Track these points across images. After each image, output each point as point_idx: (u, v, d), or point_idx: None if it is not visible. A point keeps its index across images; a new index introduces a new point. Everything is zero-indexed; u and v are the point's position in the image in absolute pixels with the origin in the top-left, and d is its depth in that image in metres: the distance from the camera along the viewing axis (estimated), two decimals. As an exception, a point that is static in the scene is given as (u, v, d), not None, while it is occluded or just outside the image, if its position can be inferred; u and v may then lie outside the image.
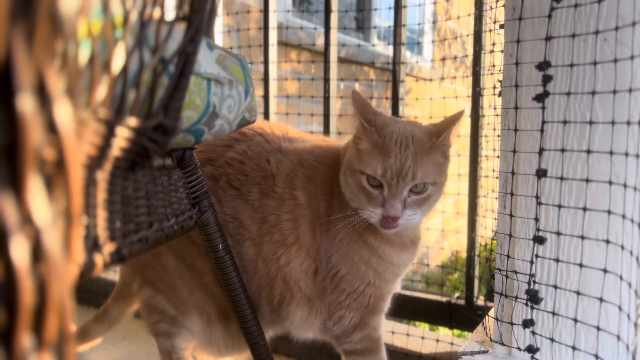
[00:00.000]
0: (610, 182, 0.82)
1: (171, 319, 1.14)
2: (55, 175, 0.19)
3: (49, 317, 0.19)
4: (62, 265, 0.20)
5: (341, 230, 0.99)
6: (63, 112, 0.19)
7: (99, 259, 0.56)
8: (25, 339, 0.19)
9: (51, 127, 0.18)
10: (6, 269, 0.18)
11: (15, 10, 0.17)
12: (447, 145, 0.97)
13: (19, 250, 0.18)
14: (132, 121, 0.56)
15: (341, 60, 2.54)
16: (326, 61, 1.58)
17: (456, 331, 1.79)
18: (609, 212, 0.81)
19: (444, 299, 1.53)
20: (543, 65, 0.86)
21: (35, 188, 0.19)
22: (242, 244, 1.06)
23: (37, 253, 0.19)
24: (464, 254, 1.59)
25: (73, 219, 0.21)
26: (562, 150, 0.86)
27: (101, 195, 0.56)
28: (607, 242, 0.82)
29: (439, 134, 0.93)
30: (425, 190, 0.93)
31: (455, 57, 2.78)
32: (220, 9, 1.89)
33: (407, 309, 1.57)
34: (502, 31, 0.99)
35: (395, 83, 1.49)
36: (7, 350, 0.19)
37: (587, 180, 0.84)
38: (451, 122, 0.95)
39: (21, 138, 0.17)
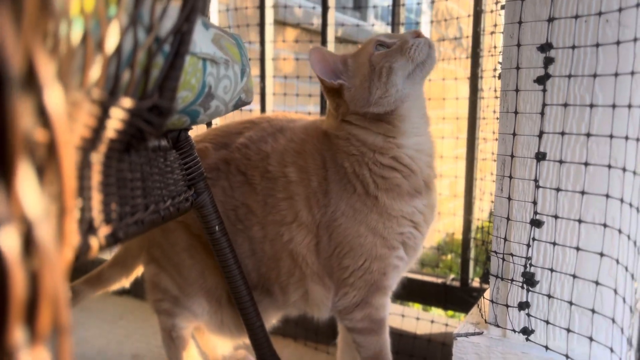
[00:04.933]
0: (609, 166, 0.81)
1: (174, 298, 1.14)
2: (46, 160, 0.18)
3: (42, 309, 0.19)
4: (55, 255, 0.19)
5: (345, 200, 0.99)
6: (54, 97, 0.18)
7: (94, 242, 0.55)
8: (17, 333, 0.18)
9: (41, 112, 0.17)
10: (-4, 260, 0.17)
11: (1, -13, 0.16)
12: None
13: (9, 241, 0.18)
14: (127, 102, 0.55)
15: (339, 40, 2.50)
16: (324, 41, 1.56)
17: (450, 312, 1.81)
18: (607, 196, 0.81)
19: (439, 280, 1.54)
20: (545, 47, 0.84)
21: (25, 175, 0.18)
22: (251, 228, 1.06)
23: (29, 244, 0.18)
24: (458, 236, 1.59)
25: (66, 207, 0.20)
26: (562, 134, 0.86)
27: (96, 177, 0.55)
28: (605, 225, 0.82)
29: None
30: None
31: (456, 38, 2.74)
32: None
33: (402, 290, 1.58)
34: (502, 12, 0.97)
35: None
36: (-1, 343, 0.18)
37: (586, 164, 0.83)
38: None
39: (9, 125, 0.16)
